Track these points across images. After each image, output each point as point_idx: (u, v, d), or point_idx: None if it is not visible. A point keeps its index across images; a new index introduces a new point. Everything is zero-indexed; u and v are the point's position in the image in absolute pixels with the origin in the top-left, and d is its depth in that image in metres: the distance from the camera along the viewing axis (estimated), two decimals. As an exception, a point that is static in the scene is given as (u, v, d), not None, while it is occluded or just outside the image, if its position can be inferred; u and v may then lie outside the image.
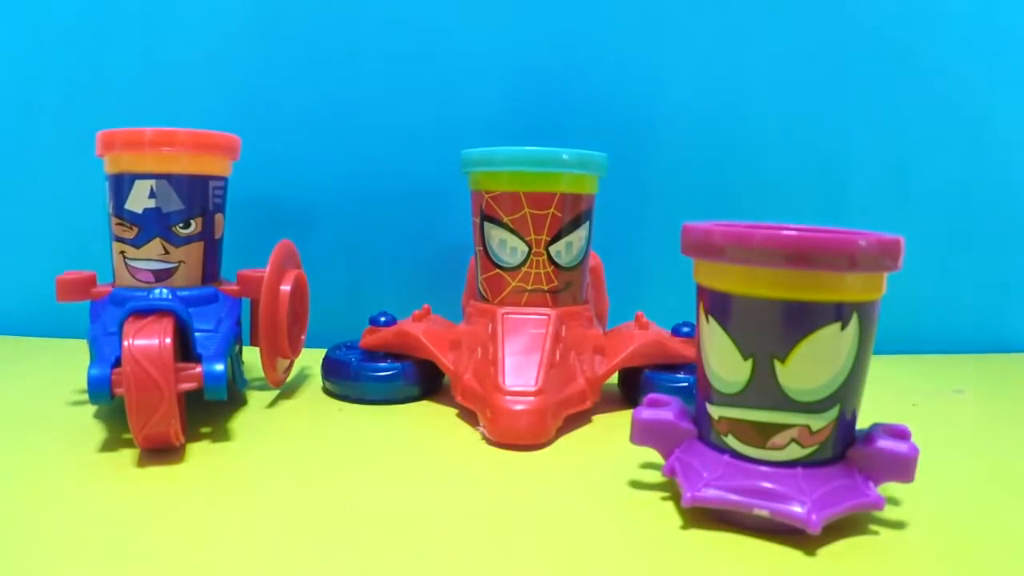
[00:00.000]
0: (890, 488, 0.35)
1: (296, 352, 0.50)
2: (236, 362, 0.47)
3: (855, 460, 0.32)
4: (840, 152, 0.67)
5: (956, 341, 0.71)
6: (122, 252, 0.46)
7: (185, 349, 0.39)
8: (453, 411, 0.48)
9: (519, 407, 0.41)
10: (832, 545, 0.30)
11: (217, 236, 0.48)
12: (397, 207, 0.65)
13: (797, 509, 0.30)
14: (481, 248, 0.48)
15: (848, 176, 0.68)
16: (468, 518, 0.32)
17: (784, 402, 0.31)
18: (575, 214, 0.47)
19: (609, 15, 0.64)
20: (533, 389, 0.42)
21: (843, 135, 0.67)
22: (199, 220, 0.46)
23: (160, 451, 0.38)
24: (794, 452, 0.31)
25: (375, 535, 0.31)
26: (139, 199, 0.45)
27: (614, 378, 0.50)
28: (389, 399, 0.49)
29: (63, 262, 0.51)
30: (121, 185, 0.45)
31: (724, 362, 0.32)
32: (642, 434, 0.34)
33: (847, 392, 0.31)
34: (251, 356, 0.51)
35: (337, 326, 0.58)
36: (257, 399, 0.49)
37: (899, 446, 0.31)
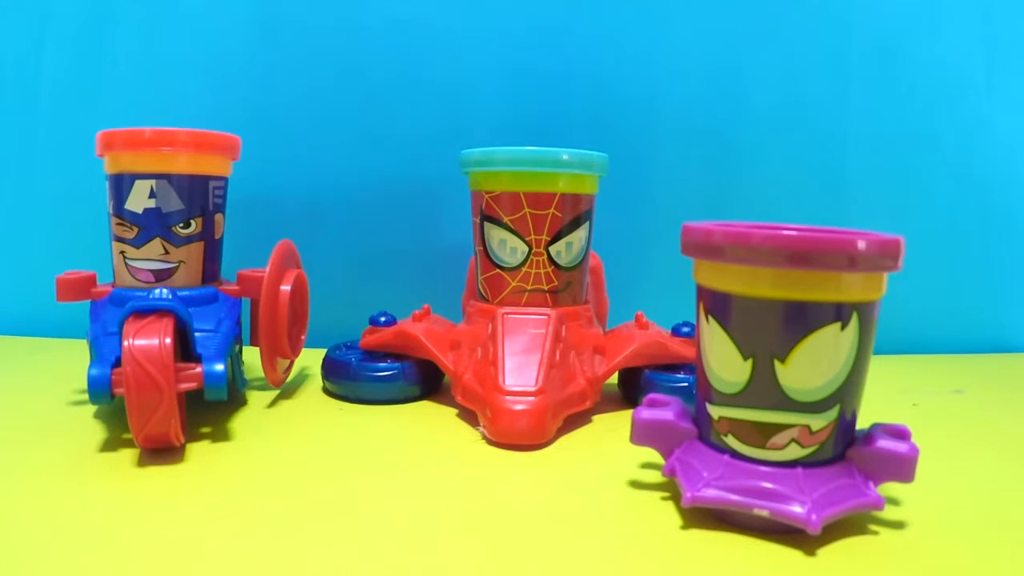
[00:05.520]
0: (890, 488, 0.35)
1: (296, 352, 0.50)
2: (236, 362, 0.47)
3: (855, 460, 0.32)
4: (840, 152, 0.67)
5: (956, 341, 0.71)
6: (122, 252, 0.46)
7: (185, 349, 0.39)
8: (453, 411, 0.48)
9: (519, 407, 0.41)
10: (832, 545, 0.30)
11: (217, 236, 0.48)
12: (397, 207, 0.65)
13: (797, 509, 0.30)
14: (481, 248, 0.48)
15: (848, 176, 0.68)
16: (468, 518, 0.32)
17: (784, 402, 0.31)
18: (575, 214, 0.47)
19: (609, 15, 0.64)
20: (533, 389, 0.42)
21: (843, 135, 0.67)
22: (199, 220, 0.46)
23: (160, 451, 0.38)
24: (794, 452, 0.31)
25: (375, 535, 0.31)
26: (139, 199, 0.45)
27: (614, 378, 0.50)
28: (389, 399, 0.49)
29: (63, 262, 0.51)
30: (121, 185, 0.45)
31: (724, 362, 0.32)
32: (642, 434, 0.34)
33: (847, 392, 0.31)
34: (251, 356, 0.51)
35: (337, 326, 0.58)
36: (257, 399, 0.49)
37: (899, 446, 0.31)
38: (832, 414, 0.31)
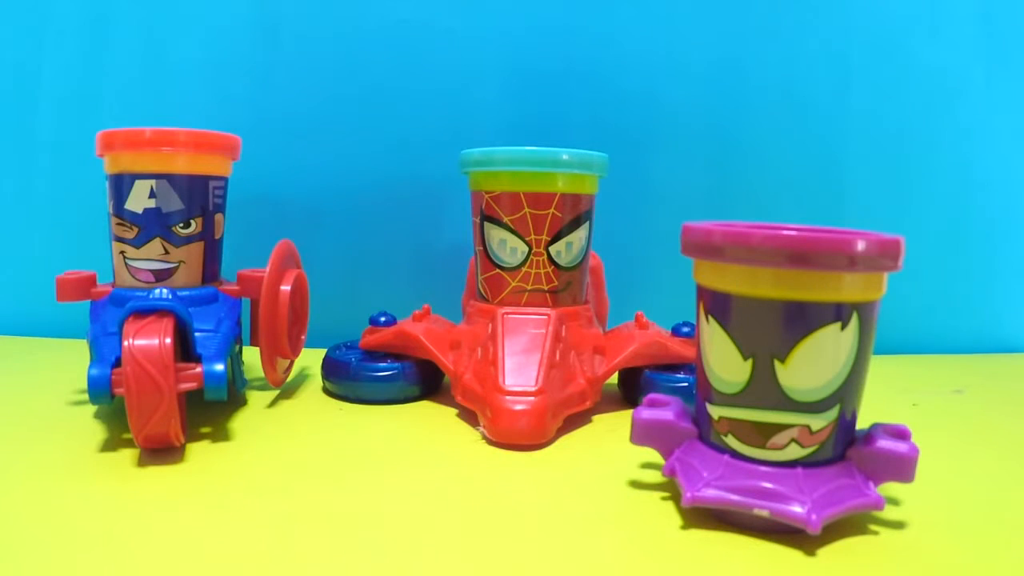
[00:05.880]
0: (890, 488, 0.35)
1: (296, 352, 0.50)
2: (236, 362, 0.47)
3: (855, 460, 0.32)
4: (840, 152, 0.67)
5: (956, 341, 0.71)
6: (122, 252, 0.46)
7: (185, 349, 0.39)
8: (453, 411, 0.48)
9: (519, 407, 0.41)
10: (832, 545, 0.30)
11: (217, 236, 0.48)
12: (397, 207, 0.65)
13: (797, 509, 0.30)
14: (481, 248, 0.48)
15: (848, 176, 0.68)
16: (468, 518, 0.32)
17: (784, 402, 0.31)
18: (575, 214, 0.47)
19: (609, 15, 0.64)
20: (533, 389, 0.42)
21: (843, 135, 0.67)
22: (199, 220, 0.46)
23: (160, 451, 0.38)
24: (794, 452, 0.31)
25: (375, 535, 0.31)
26: (139, 199, 0.45)
27: (614, 378, 0.50)
28: (389, 399, 0.49)
29: (63, 262, 0.51)
30: (121, 185, 0.45)
31: (724, 362, 0.32)
32: (642, 434, 0.34)
33: (847, 392, 0.31)
34: (251, 356, 0.51)
35: (337, 326, 0.58)
36: (257, 399, 0.49)
37: (899, 446, 0.31)
38: (832, 414, 0.31)
